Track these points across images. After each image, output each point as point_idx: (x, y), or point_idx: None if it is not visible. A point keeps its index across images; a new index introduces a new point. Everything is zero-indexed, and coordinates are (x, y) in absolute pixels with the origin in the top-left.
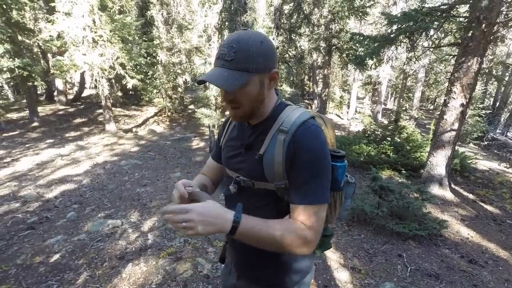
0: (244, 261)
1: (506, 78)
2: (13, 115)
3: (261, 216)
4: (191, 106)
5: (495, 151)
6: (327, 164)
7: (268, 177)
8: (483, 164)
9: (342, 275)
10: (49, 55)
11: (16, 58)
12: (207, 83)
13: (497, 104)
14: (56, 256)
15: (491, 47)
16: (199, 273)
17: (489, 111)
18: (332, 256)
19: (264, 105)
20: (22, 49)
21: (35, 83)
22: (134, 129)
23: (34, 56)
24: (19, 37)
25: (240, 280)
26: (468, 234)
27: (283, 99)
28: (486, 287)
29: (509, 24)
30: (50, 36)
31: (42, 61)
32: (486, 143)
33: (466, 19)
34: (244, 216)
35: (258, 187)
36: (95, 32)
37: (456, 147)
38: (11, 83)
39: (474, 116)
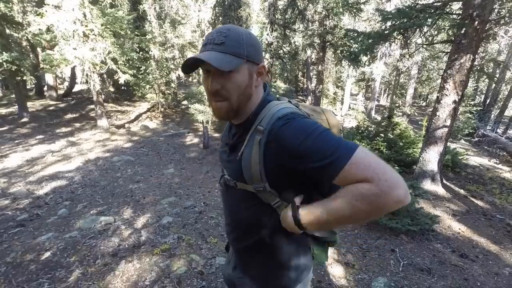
0: (239, 254)
1: (497, 75)
2: (2, 111)
3: (245, 218)
4: (185, 102)
5: (486, 147)
6: (326, 130)
7: (246, 179)
8: (474, 160)
9: (336, 270)
10: (39, 49)
11: (4, 52)
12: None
13: (488, 101)
14: (47, 254)
15: (483, 45)
16: (193, 270)
17: (480, 108)
18: None
19: (250, 102)
20: (10, 43)
21: (24, 78)
22: (126, 125)
23: (23, 50)
24: (7, 31)
25: (235, 271)
26: (459, 229)
27: (272, 95)
28: (477, 280)
29: (501, 22)
30: (39, 29)
31: (31, 55)
32: (476, 139)
33: (459, 16)
34: (302, 209)
35: (240, 187)
36: (86, 26)
37: (448, 144)
38: None
39: (466, 113)
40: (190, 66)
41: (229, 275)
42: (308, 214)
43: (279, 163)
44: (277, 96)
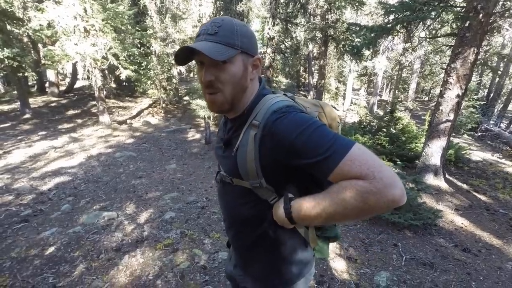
0: (239, 252)
1: (501, 69)
2: (4, 107)
3: (242, 214)
4: (186, 98)
5: (489, 142)
6: (322, 125)
7: (242, 175)
8: (477, 154)
9: (338, 265)
10: (40, 45)
11: (5, 48)
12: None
13: (491, 95)
14: (51, 249)
15: (487, 38)
16: (196, 264)
17: (483, 102)
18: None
19: (245, 95)
20: (11, 39)
21: (26, 74)
22: (128, 121)
23: (24, 46)
24: (8, 27)
25: (236, 269)
26: (462, 223)
27: (268, 88)
28: (479, 275)
29: (506, 15)
30: (40, 25)
31: (32, 51)
32: (479, 134)
33: (464, 9)
34: (294, 203)
35: (236, 184)
36: (87, 21)
37: (451, 138)
38: (1, 74)
39: (469, 107)
40: (183, 57)
41: (231, 271)
42: (300, 207)
43: (274, 158)
44: (273, 89)
